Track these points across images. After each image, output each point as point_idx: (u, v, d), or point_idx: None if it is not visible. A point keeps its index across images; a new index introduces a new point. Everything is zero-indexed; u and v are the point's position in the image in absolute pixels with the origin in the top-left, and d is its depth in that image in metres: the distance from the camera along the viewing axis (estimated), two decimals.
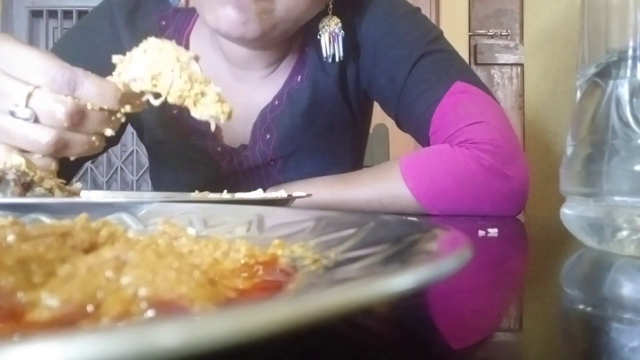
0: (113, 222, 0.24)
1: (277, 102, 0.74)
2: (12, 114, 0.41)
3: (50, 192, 0.40)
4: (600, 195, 0.33)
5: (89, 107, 0.42)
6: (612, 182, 0.32)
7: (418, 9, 0.77)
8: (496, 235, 0.41)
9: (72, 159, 0.45)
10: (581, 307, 0.22)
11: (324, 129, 0.76)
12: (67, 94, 0.41)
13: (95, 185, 1.92)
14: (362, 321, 0.18)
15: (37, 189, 0.40)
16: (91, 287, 0.14)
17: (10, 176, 0.39)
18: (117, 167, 1.92)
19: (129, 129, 0.85)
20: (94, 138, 0.44)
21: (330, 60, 0.70)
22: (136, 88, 0.43)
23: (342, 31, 0.69)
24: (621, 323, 0.19)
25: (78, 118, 0.42)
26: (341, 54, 0.70)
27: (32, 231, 0.19)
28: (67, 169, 0.60)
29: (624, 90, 0.32)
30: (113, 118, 0.44)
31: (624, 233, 0.32)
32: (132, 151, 1.90)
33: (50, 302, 0.13)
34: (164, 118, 0.74)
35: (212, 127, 0.43)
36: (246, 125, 0.75)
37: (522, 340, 0.18)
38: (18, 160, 0.41)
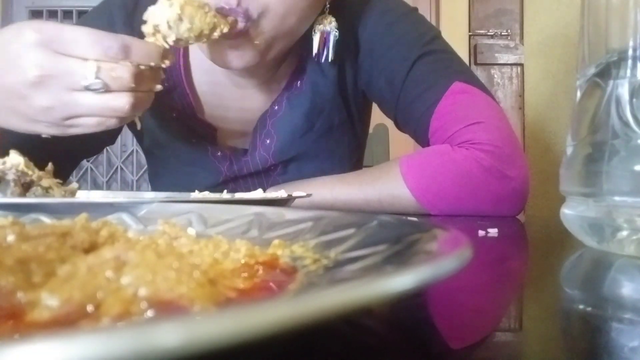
0: (113, 222, 0.24)
1: (276, 107, 0.74)
2: (88, 88, 0.46)
3: (48, 190, 0.41)
4: (600, 195, 0.33)
5: (141, 67, 0.48)
6: (612, 182, 0.32)
7: (415, 9, 0.76)
8: (496, 235, 0.41)
9: (130, 119, 0.50)
10: (581, 307, 0.22)
11: (323, 132, 0.76)
12: (123, 59, 0.46)
13: (95, 185, 1.91)
14: (362, 321, 0.18)
15: (34, 188, 0.40)
16: (91, 287, 0.14)
17: (10, 176, 0.39)
18: (117, 167, 1.92)
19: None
20: (148, 95, 0.50)
21: (322, 59, 0.68)
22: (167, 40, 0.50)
23: (337, 31, 0.68)
24: (621, 323, 0.19)
25: (139, 78, 0.47)
26: (331, 54, 0.68)
27: (32, 231, 0.19)
28: (63, 169, 0.60)
29: (624, 90, 0.32)
30: (156, 75, 0.50)
31: (624, 233, 0.32)
32: (132, 151, 1.90)
33: (50, 302, 0.13)
34: (164, 120, 0.74)
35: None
36: (246, 131, 0.75)
37: (522, 340, 0.18)
38: (17, 160, 0.41)
